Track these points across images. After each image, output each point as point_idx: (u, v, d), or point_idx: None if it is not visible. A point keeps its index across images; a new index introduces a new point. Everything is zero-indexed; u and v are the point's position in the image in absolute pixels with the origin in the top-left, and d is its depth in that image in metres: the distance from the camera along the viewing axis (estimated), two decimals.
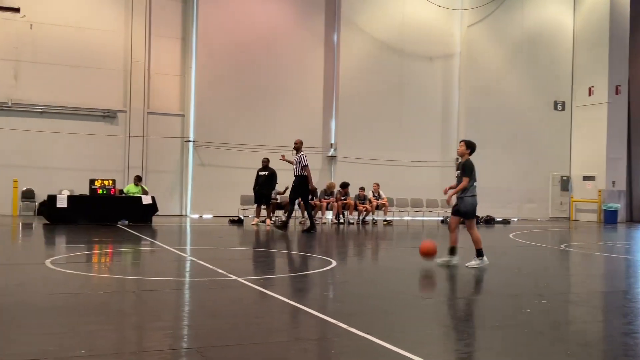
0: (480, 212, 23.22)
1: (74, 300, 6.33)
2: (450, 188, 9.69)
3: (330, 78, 24.18)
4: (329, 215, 20.74)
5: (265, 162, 18.42)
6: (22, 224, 16.93)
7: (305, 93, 23.75)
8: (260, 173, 18.39)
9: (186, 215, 22.08)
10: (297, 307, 6.08)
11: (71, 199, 16.79)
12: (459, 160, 9.68)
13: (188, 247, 12.53)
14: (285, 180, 19.38)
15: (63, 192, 17.25)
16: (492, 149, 24.94)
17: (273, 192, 18.61)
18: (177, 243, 13.59)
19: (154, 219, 17.91)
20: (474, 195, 9.40)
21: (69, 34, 20.74)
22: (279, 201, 19.13)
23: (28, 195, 20.00)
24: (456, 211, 9.51)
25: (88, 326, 5.16)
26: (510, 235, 17.02)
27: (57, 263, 8.73)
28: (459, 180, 9.40)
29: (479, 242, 9.27)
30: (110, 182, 17.52)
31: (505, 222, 23.49)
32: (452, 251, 9.41)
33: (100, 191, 17.26)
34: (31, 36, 20.35)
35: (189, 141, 22.30)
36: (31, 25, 20.34)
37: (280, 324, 5.50)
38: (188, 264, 9.53)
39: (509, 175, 26.22)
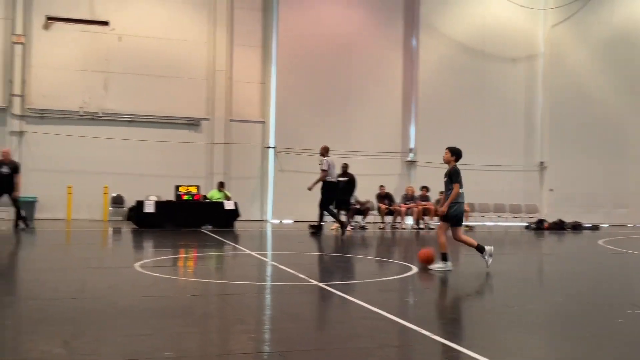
0: (568, 217, 22.60)
1: (162, 302, 6.54)
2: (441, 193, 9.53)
3: (409, 83, 24.01)
4: (409, 220, 20.55)
5: (345, 167, 18.46)
6: (112, 228, 17.67)
7: (384, 98, 23.69)
8: (340, 178, 18.43)
9: (267, 221, 22.42)
10: (378, 312, 6.04)
11: (158, 204, 17.41)
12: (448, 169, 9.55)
13: (269, 252, 12.72)
14: (364, 186, 19.38)
15: (150, 198, 17.87)
16: (579, 153, 24.02)
17: (352, 197, 18.62)
18: (258, 248, 13.81)
19: (236, 224, 18.28)
20: (462, 203, 9.37)
21: (155, 46, 21.55)
22: (358, 207, 19.13)
23: (117, 201, 20.88)
24: (445, 217, 9.39)
25: (175, 328, 5.31)
26: (600, 242, 16.30)
27: (146, 266, 9.05)
28: (447, 188, 9.39)
29: (445, 247, 9.26)
30: (195, 188, 18.04)
31: (594, 228, 22.55)
32: (444, 257, 9.30)
33: (185, 197, 17.80)
34: (120, 48, 21.27)
35: (270, 147, 22.67)
36: (120, 37, 21.27)
37: (361, 330, 5.48)
38: (269, 269, 9.67)
39: (596, 180, 25.17)
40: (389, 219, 20.25)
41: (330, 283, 7.89)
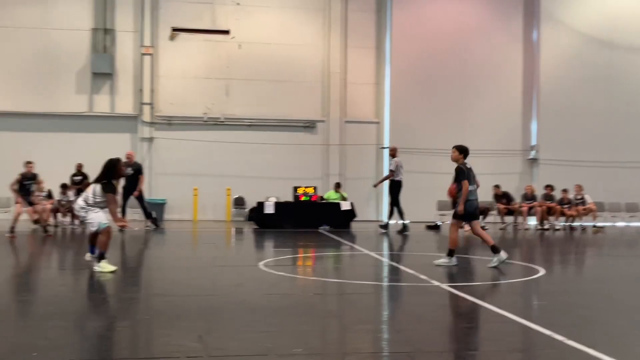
0: None
1: (287, 301, 6.71)
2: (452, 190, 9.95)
3: (529, 77, 23.10)
4: (532, 220, 19.76)
5: None
6: (234, 229, 18.34)
7: (503, 94, 22.94)
8: None
9: (382, 221, 22.36)
10: (505, 315, 5.85)
11: (277, 205, 17.87)
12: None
13: (386, 252, 12.69)
14: (483, 185, 18.86)
15: (270, 199, 18.37)
16: None
17: None
18: (375, 248, 13.81)
19: (352, 224, 18.39)
20: (473, 200, 9.35)
21: (272, 51, 22.14)
22: None
23: (239, 202, 21.65)
24: (458, 215, 9.38)
25: (301, 326, 5.43)
26: None
27: (269, 265, 9.31)
28: (458, 186, 9.44)
29: (454, 243, 9.38)
30: (312, 189, 18.36)
31: None
32: (451, 253, 9.36)
33: (303, 198, 18.15)
34: (240, 56, 22.04)
35: (384, 148, 22.60)
36: (239, 45, 22.05)
37: (488, 333, 5.34)
38: (388, 269, 9.65)
39: None
40: (509, 219, 19.57)
41: (453, 284, 7.74)
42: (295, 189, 18.29)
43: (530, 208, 19.24)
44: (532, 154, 22.88)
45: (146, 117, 21.39)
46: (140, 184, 16.59)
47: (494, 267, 9.13)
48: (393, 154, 17.36)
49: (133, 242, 13.77)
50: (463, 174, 9.29)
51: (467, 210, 9.24)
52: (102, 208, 8.59)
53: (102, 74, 21.17)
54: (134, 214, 17.29)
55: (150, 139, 21.42)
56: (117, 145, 20.47)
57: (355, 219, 18.64)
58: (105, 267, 8.38)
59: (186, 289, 7.35)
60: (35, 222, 15.86)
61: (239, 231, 17.54)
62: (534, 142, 22.94)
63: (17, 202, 14.44)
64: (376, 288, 7.82)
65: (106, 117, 21.32)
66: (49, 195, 17.11)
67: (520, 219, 19.33)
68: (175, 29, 21.66)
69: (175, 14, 21.70)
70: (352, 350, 4.77)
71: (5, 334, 5.06)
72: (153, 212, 17.50)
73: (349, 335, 5.34)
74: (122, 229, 8.91)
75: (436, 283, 7.71)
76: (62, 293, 7.16)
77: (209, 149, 21.48)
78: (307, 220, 17.59)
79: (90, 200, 8.58)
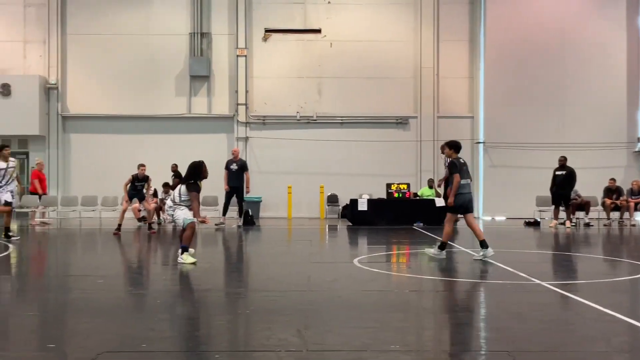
0: None
1: (383, 297, 6.71)
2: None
3: (634, 65, 21.89)
4: (638, 216, 18.73)
5: (562, 160, 17.40)
6: (328, 226, 18.51)
7: (604, 85, 21.84)
8: (557, 172, 17.43)
9: (478, 217, 21.90)
10: (611, 314, 5.59)
11: (370, 202, 17.89)
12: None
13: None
14: (585, 179, 18.13)
15: (363, 196, 18.42)
16: None
17: (572, 192, 17.47)
18: (471, 245, 13.53)
19: None
20: (465, 193, 9.60)
21: (363, 49, 22.16)
22: (578, 201, 17.90)
23: (332, 199, 21.83)
24: (451, 208, 9.70)
25: (398, 323, 5.42)
26: None
27: (363, 262, 9.35)
28: (450, 181, 9.70)
29: (449, 236, 9.82)
30: (405, 185, 18.24)
31: None
32: (442, 246, 9.74)
33: (396, 195, 18.07)
34: (331, 54, 22.21)
35: (479, 143, 22.13)
36: (331, 43, 22.21)
37: (595, 332, 5.12)
38: (486, 266, 9.43)
39: None
40: (615, 215, 18.61)
41: (554, 282, 7.48)
42: (389, 185, 18.22)
43: (637, 204, 18.24)
44: (639, 146, 21.71)
45: (241, 117, 21.98)
46: (247, 182, 17.15)
47: (478, 259, 9.44)
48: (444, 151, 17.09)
49: (231, 239, 14.20)
50: (455, 168, 9.56)
51: (458, 203, 9.50)
52: (187, 206, 9.30)
53: (200, 76, 21.95)
54: (232, 211, 17.79)
55: (246, 139, 21.99)
56: (214, 145, 21.23)
57: None
58: (186, 259, 9.03)
59: (283, 284, 7.50)
60: (140, 220, 16.67)
61: (333, 228, 17.69)
62: None
63: (125, 201, 15.30)
64: (473, 285, 7.68)
65: (204, 118, 22.11)
66: (155, 194, 17.96)
67: (626, 214, 18.36)
68: (268, 30, 22.14)
69: (268, 15, 22.15)
70: (450, 348, 4.72)
71: (115, 327, 5.36)
72: (249, 210, 18.00)
73: (446, 332, 5.28)
74: (203, 223, 9.69)
75: (536, 281, 7.48)
76: (167, 287, 7.50)
77: (303, 147, 21.81)
78: (400, 217, 17.50)
79: (177, 199, 9.34)
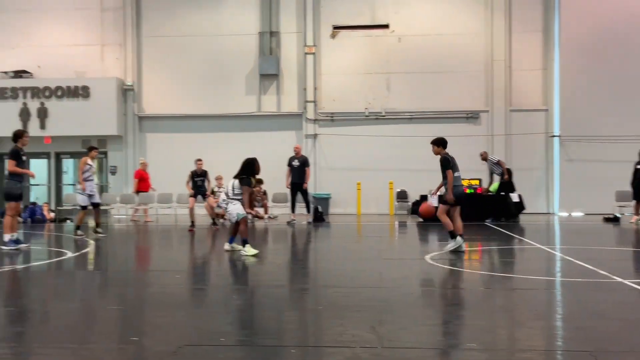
0: None
1: (456, 294, 6.63)
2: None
3: None
4: None
5: None
6: (398, 222, 18.40)
7: None
8: (639, 166, 16.70)
9: (554, 213, 21.27)
10: None
11: (441, 198, 17.59)
12: None
13: (559, 246, 12.05)
14: None
15: (433, 192, 18.22)
16: None
17: None
18: (547, 242, 13.18)
19: (521, 217, 17.68)
20: (459, 185, 10.04)
21: (432, 43, 21.86)
22: None
23: (402, 195, 21.67)
24: (444, 201, 10.07)
25: (473, 321, 5.35)
26: None
27: (435, 259, 9.25)
28: (444, 176, 10.04)
29: (450, 225, 9.91)
30: (477, 181, 17.90)
31: None
32: (452, 235, 9.89)
33: (467, 190, 17.72)
34: (399, 49, 22.02)
35: (554, 136, 21.45)
36: (399, 38, 22.03)
37: None
38: (563, 263, 9.17)
39: None
40: None
41: (637, 280, 7.19)
42: None
43: None
44: None
45: (310, 114, 22.11)
46: (307, 177, 17.29)
47: (450, 248, 9.79)
48: (485, 157, 17.94)
49: (300, 235, 14.34)
50: (447, 164, 9.88)
51: (455, 196, 9.87)
52: (239, 200, 9.90)
53: (269, 75, 22.22)
54: (301, 207, 17.95)
55: (315, 136, 22.11)
56: (283, 143, 21.40)
57: (524, 212, 17.89)
58: (249, 250, 9.59)
59: (355, 280, 7.52)
60: (217, 215, 17.00)
61: (402, 224, 17.58)
62: None
63: (190, 197, 15.74)
64: (550, 283, 7.47)
65: (273, 116, 22.36)
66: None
67: None
68: (336, 27, 22.16)
69: (336, 12, 22.18)
70: (527, 347, 4.61)
71: (193, 321, 5.52)
72: (319, 207, 18.12)
73: (524, 331, 5.16)
74: (255, 217, 10.49)
75: (618, 279, 7.21)
76: (241, 283, 7.65)
77: (371, 143, 21.73)
78: (472, 213, 17.15)
79: (231, 194, 9.94)
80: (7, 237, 10.70)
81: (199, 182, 15.85)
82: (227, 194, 10.03)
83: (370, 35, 22.12)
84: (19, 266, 9.05)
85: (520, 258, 10.34)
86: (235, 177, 10.10)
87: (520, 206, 17.65)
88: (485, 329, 5.14)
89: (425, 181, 20.70)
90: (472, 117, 21.85)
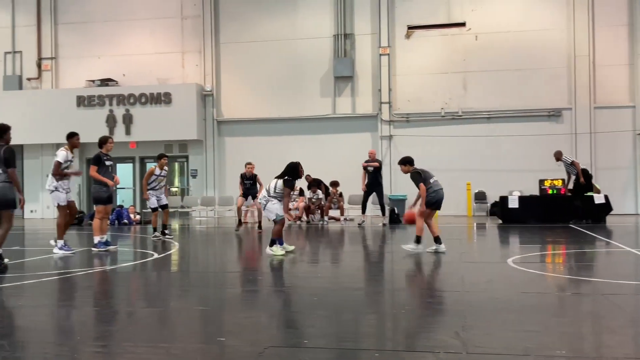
0: None
1: (542, 299, 6.44)
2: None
3: None
4: None
5: None
6: (476, 224, 18.05)
7: None
8: None
9: (638, 214, 20.30)
10: None
11: (522, 199, 17.19)
12: None
13: None
14: None
15: (514, 193, 17.77)
16: None
17: None
18: (636, 244, 12.60)
19: (608, 218, 16.98)
20: (437, 190, 10.36)
21: (510, 40, 21.35)
22: None
23: (480, 197, 21.24)
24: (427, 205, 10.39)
25: (561, 326, 5.18)
26: None
27: (517, 262, 9.02)
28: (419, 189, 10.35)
29: (422, 231, 10.38)
30: (560, 181, 17.33)
31: None
32: (418, 240, 10.31)
33: (550, 191, 17.23)
34: (476, 47, 21.63)
35: None
36: (476, 36, 21.64)
37: None
38: None
39: None
40: None
41: None
42: (542, 182, 17.41)
43: None
44: None
45: (385, 115, 22.03)
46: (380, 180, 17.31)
47: (409, 250, 10.23)
48: (558, 157, 17.09)
49: (374, 238, 14.29)
50: (418, 178, 10.29)
51: (433, 201, 10.29)
52: (279, 200, 10.15)
53: (344, 77, 22.30)
54: (375, 209, 17.90)
55: (390, 137, 22.01)
56: (358, 144, 21.42)
57: (612, 213, 17.17)
58: (276, 251, 10.03)
59: (437, 284, 7.44)
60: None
61: (482, 226, 17.23)
62: None
63: (239, 197, 15.94)
64: None
65: (348, 117, 22.43)
66: (301, 193, 18.52)
67: None
68: (410, 27, 22.00)
69: (410, 12, 22.02)
70: (622, 356, 4.42)
71: (277, 322, 5.61)
72: (395, 209, 18.02)
73: (616, 338, 4.95)
74: (294, 221, 10.65)
75: None
76: (320, 285, 7.69)
77: (447, 143, 21.44)
78: (555, 214, 16.66)
79: (272, 192, 10.15)
80: (96, 239, 11.19)
81: (248, 184, 16.03)
82: (268, 192, 10.24)
83: (446, 34, 21.85)
84: (108, 267, 9.45)
85: (608, 261, 9.94)
86: (279, 177, 10.26)
87: (607, 207, 16.95)
88: (575, 335, 4.97)
89: (505, 181, 20.30)
90: (554, 115, 21.20)
